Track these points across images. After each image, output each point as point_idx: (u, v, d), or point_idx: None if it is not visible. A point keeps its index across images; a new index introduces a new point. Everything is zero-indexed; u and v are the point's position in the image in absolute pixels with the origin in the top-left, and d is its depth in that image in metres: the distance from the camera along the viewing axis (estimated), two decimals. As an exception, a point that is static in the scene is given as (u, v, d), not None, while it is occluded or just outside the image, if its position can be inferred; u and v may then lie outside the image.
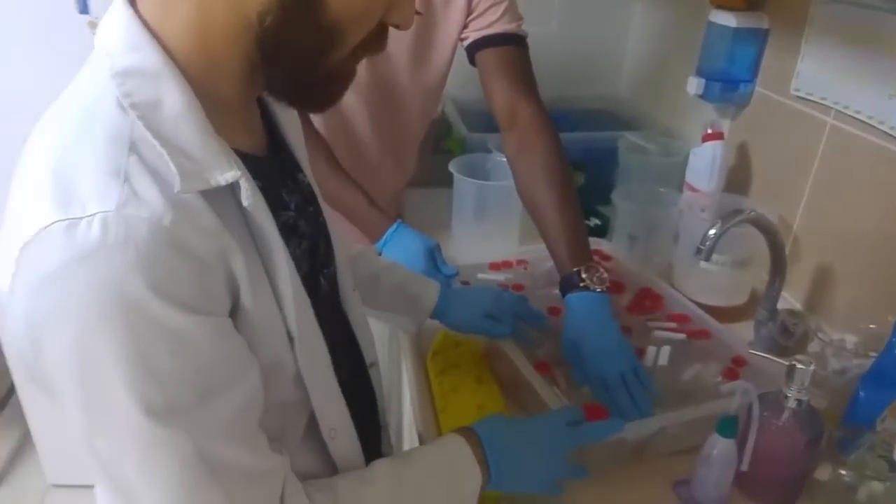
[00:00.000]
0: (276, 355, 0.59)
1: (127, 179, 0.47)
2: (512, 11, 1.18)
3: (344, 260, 0.78)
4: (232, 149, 0.54)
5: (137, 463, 0.50)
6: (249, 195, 0.53)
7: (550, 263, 1.24)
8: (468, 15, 1.19)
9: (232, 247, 0.52)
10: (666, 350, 1.00)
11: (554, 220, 1.05)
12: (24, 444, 2.11)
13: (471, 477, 0.70)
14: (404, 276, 1.00)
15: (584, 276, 0.98)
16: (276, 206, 0.60)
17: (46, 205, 0.46)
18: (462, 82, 1.62)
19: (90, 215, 0.45)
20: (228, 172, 0.52)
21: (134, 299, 0.46)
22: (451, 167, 1.34)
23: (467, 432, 0.74)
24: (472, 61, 1.21)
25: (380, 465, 0.69)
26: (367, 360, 0.82)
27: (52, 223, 0.45)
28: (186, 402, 0.50)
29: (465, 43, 1.20)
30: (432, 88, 1.29)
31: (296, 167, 0.70)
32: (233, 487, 0.53)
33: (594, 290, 0.97)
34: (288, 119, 0.70)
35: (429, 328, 1.08)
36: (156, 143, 0.49)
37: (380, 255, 1.15)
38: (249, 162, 0.56)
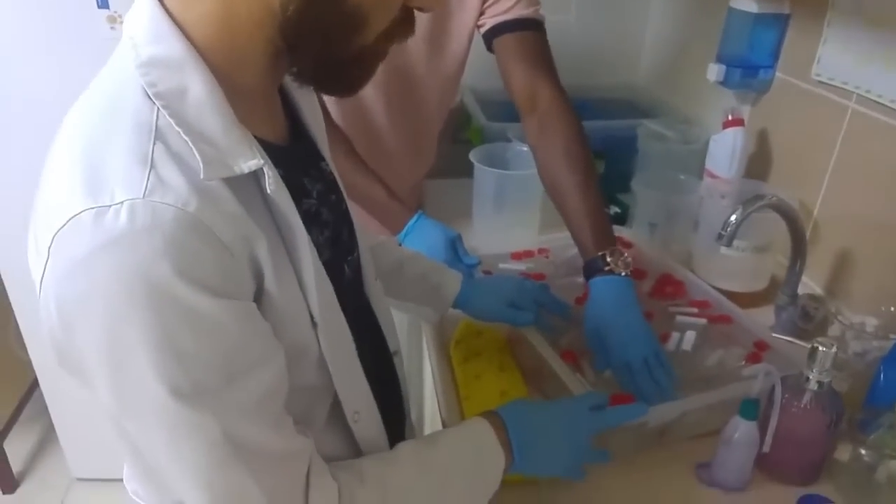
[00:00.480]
0: (300, 340, 0.60)
1: (153, 167, 0.48)
2: None
3: (366, 249, 0.79)
4: (255, 137, 0.55)
5: (166, 444, 0.52)
6: (273, 182, 0.54)
7: (572, 252, 1.25)
8: (484, 1, 1.19)
9: (255, 233, 0.53)
10: (691, 335, 1.01)
11: (577, 204, 1.05)
12: (48, 437, 2.13)
13: (494, 459, 0.71)
14: (427, 266, 1.01)
15: (608, 259, 0.98)
16: (297, 194, 0.60)
17: (76, 193, 0.48)
18: (481, 72, 1.62)
19: (118, 203, 0.47)
20: (252, 160, 0.53)
21: (160, 283, 0.47)
22: (472, 157, 1.34)
23: (491, 415, 0.75)
24: (489, 48, 1.21)
25: (404, 446, 0.70)
26: (391, 349, 0.83)
27: (82, 211, 0.47)
28: (213, 384, 0.51)
29: (483, 29, 1.20)
30: (450, 77, 1.30)
31: (318, 156, 0.71)
32: (259, 468, 0.55)
33: (618, 274, 0.98)
34: (309, 109, 0.71)
35: (451, 317, 1.09)
36: (180, 131, 0.50)
37: (400, 246, 1.16)
38: (271, 150, 0.57)
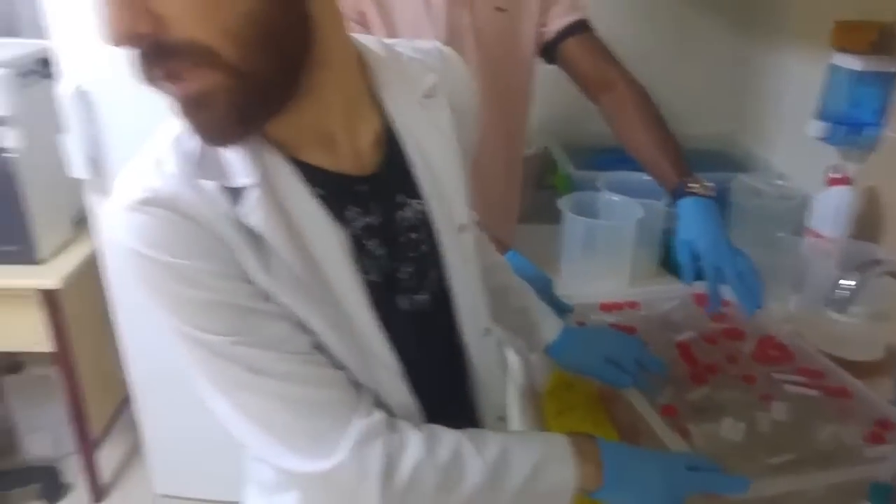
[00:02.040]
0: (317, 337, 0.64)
1: (159, 162, 0.60)
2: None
3: (470, 304, 0.76)
4: (305, 162, 0.63)
5: (189, 365, 0.62)
6: (251, 204, 0.59)
7: (665, 307, 1.21)
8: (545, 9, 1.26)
9: (236, 238, 0.59)
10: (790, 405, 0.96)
11: (655, 151, 1.18)
12: (136, 452, 2.17)
13: (585, 472, 0.70)
14: (531, 302, 1.00)
15: (691, 184, 1.11)
16: (339, 218, 0.65)
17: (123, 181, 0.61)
18: (565, 119, 1.62)
19: (128, 186, 0.59)
20: (245, 178, 0.59)
21: (135, 250, 0.58)
22: (562, 205, 1.32)
23: (584, 437, 0.74)
24: (551, 59, 1.27)
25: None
26: (495, 413, 0.83)
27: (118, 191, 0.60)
28: (219, 327, 0.59)
29: (547, 37, 1.26)
30: (526, 56, 1.30)
31: (405, 192, 0.70)
32: (279, 392, 0.62)
33: (703, 196, 1.10)
34: (428, 151, 0.71)
35: (542, 368, 1.06)
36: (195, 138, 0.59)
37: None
38: (313, 174, 0.63)
